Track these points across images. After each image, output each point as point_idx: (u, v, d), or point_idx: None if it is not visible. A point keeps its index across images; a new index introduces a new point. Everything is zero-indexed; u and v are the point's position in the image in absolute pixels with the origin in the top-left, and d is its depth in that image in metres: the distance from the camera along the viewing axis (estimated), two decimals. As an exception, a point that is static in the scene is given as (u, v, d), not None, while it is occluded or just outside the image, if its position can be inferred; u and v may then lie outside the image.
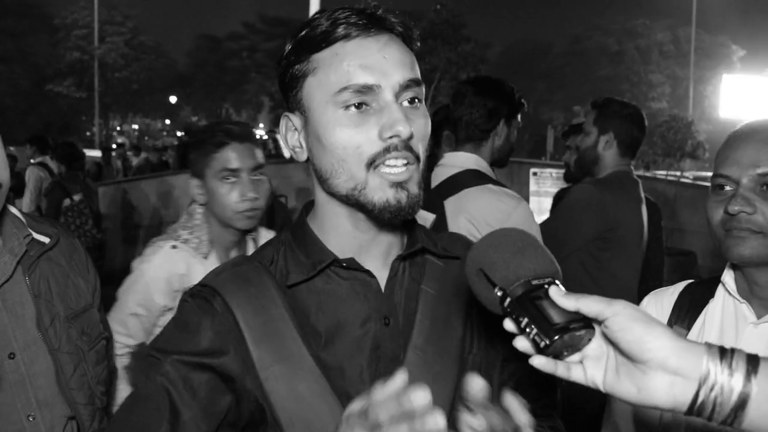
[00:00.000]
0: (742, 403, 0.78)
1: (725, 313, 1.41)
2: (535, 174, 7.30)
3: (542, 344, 0.82)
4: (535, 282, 0.85)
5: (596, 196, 2.86)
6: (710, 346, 0.81)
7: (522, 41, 47.47)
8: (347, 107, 1.00)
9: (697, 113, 28.98)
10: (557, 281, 0.86)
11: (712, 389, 0.79)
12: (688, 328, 1.45)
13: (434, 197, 2.42)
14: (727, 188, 1.32)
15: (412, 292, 1.11)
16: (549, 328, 0.81)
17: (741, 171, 1.29)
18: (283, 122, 1.11)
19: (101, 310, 1.48)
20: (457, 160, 2.53)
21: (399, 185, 1.00)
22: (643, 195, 3.06)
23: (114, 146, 18.59)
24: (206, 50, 45.44)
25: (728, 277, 1.41)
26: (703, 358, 0.80)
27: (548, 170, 7.34)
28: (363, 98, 0.99)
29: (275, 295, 1.05)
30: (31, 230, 1.33)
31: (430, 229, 1.24)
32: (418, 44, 1.09)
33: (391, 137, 0.98)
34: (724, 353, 0.80)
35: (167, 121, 49.04)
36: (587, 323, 0.84)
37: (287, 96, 1.09)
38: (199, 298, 1.06)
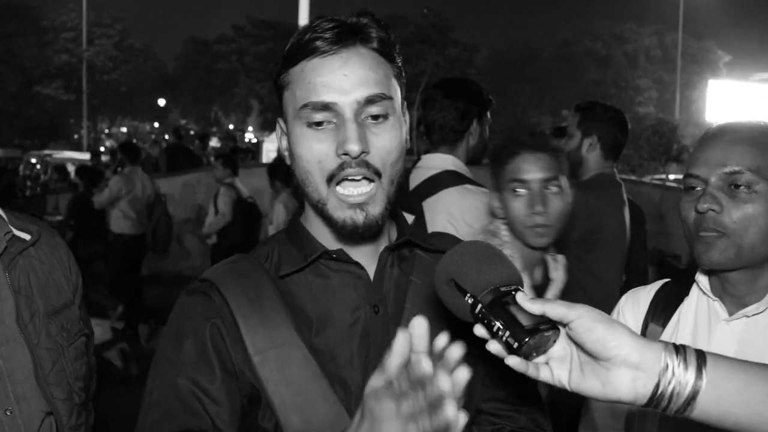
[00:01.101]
0: (694, 394, 0.84)
1: (699, 310, 1.44)
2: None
3: (515, 345, 0.86)
4: (503, 289, 0.90)
5: (579, 199, 2.89)
6: (666, 343, 0.87)
7: (510, 45, 47.44)
8: (309, 123, 1.06)
9: (684, 118, 29.19)
10: (521, 288, 0.91)
11: (670, 382, 0.84)
12: (663, 325, 1.48)
13: (412, 199, 2.43)
14: (698, 188, 1.35)
15: (402, 283, 1.16)
16: (520, 330, 0.86)
17: (709, 170, 1.32)
18: (277, 126, 1.18)
19: (83, 308, 1.49)
20: (433, 162, 2.54)
21: (357, 206, 1.06)
22: (625, 197, 3.09)
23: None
24: (195, 53, 45.13)
25: (702, 275, 1.44)
26: (662, 353, 0.85)
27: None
28: (323, 114, 1.05)
29: (269, 287, 1.10)
30: (11, 227, 1.34)
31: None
32: (399, 58, 1.13)
33: (344, 154, 1.04)
34: (678, 349, 0.86)
35: (156, 124, 48.80)
36: (553, 325, 0.89)
37: (279, 102, 1.15)
38: (198, 293, 1.12)
